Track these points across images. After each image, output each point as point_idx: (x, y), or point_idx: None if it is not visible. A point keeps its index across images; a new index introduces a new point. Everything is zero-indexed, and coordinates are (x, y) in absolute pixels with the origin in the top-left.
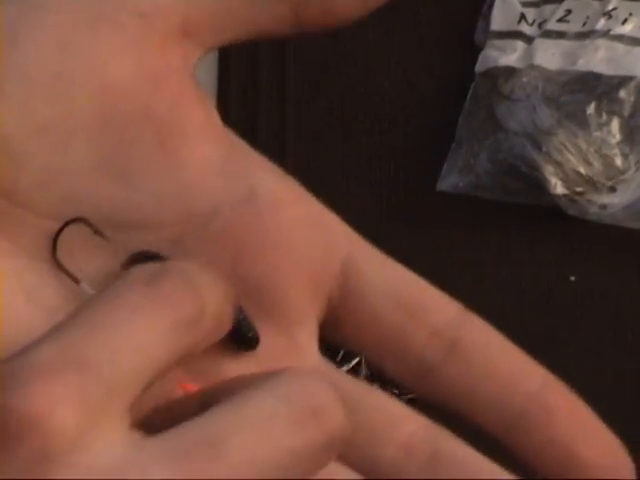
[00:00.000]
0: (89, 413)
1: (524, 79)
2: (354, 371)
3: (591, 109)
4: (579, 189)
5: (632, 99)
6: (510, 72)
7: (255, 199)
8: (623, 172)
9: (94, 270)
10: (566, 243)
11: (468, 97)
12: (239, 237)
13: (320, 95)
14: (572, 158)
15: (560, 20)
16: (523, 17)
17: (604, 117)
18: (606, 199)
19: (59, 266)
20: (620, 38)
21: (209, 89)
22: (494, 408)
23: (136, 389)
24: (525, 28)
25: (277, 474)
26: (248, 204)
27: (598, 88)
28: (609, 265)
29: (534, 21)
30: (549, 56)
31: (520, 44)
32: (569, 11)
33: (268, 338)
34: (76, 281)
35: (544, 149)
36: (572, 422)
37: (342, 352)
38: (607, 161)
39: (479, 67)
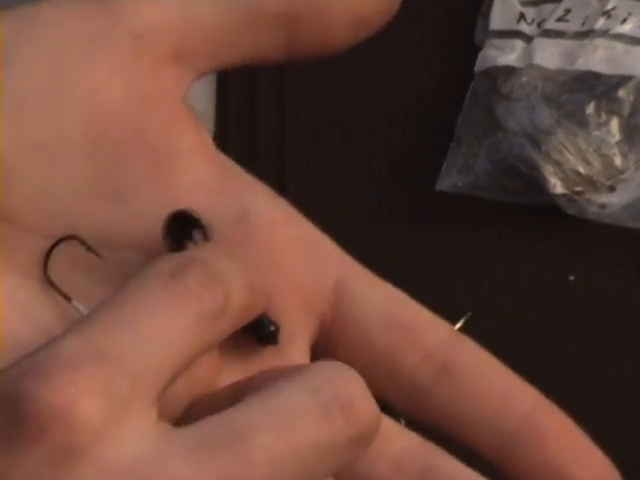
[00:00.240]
0: (114, 405)
1: (523, 78)
2: None
3: (590, 109)
4: (578, 189)
5: (631, 98)
6: (509, 71)
7: (248, 220)
8: (622, 172)
9: (86, 288)
10: (565, 243)
11: (467, 96)
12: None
13: (320, 95)
14: (571, 158)
15: (559, 19)
16: (522, 16)
17: (603, 117)
18: (605, 199)
19: (51, 284)
20: (619, 37)
21: (208, 86)
22: (486, 430)
23: (161, 381)
24: (524, 27)
25: (302, 469)
26: (241, 225)
27: (597, 88)
28: (608, 265)
29: (533, 20)
30: (548, 55)
31: (519, 43)
32: (568, 10)
33: (261, 357)
34: (68, 299)
35: (543, 149)
36: (564, 444)
37: None
38: (606, 161)
39: (478, 66)
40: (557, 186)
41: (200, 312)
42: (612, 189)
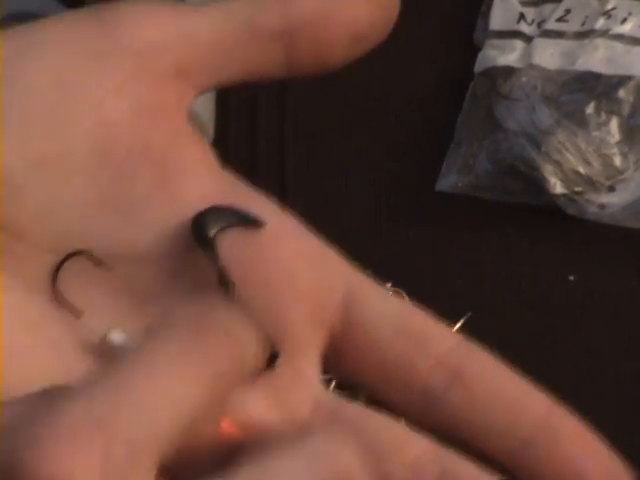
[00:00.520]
0: (112, 475)
1: (523, 79)
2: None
3: (590, 109)
4: (578, 189)
5: (631, 99)
6: (509, 72)
7: (255, 233)
8: (622, 172)
9: (96, 303)
10: (565, 243)
11: (467, 97)
12: (241, 271)
13: (319, 96)
14: (571, 158)
15: (559, 20)
16: (522, 17)
17: (603, 117)
18: (605, 199)
19: (60, 299)
20: (619, 37)
21: None
22: (500, 436)
23: (165, 445)
24: (524, 28)
25: None
26: (248, 238)
27: (597, 88)
28: (608, 265)
29: (533, 21)
30: (548, 56)
31: (519, 44)
32: (568, 11)
33: (272, 371)
34: (77, 315)
35: (543, 149)
36: (579, 448)
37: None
38: (606, 161)
39: (478, 67)
40: (557, 186)
41: (216, 372)
42: (612, 189)
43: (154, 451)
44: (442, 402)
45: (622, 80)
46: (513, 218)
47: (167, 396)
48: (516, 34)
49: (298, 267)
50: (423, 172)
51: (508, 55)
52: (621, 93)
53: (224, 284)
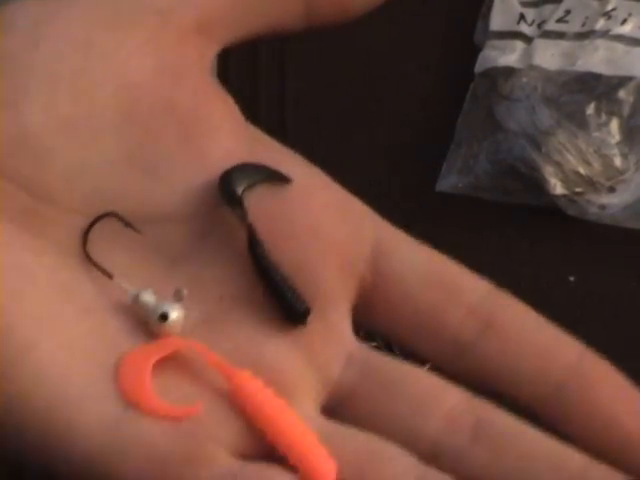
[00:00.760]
0: None
1: (523, 79)
2: None
3: (590, 109)
4: (578, 189)
5: (631, 99)
6: (509, 72)
7: (283, 189)
8: (622, 172)
9: (126, 263)
10: (565, 243)
11: (467, 97)
12: (269, 224)
13: (319, 96)
14: (571, 158)
15: (559, 20)
16: (522, 17)
17: (603, 117)
18: (605, 199)
19: (91, 261)
20: (619, 38)
21: None
22: (532, 382)
23: None
24: (524, 28)
25: None
26: (276, 194)
27: (597, 88)
28: (608, 265)
29: (533, 21)
30: (548, 56)
31: (519, 44)
32: (568, 11)
33: (303, 325)
34: (109, 276)
35: (543, 149)
36: (611, 393)
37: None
38: (606, 161)
39: (478, 67)
40: (557, 187)
41: None
42: (612, 190)
43: None
44: (474, 350)
45: (622, 81)
46: (513, 219)
47: None
48: (516, 35)
49: (326, 221)
50: (423, 172)
51: (508, 56)
52: (621, 94)
53: (252, 242)
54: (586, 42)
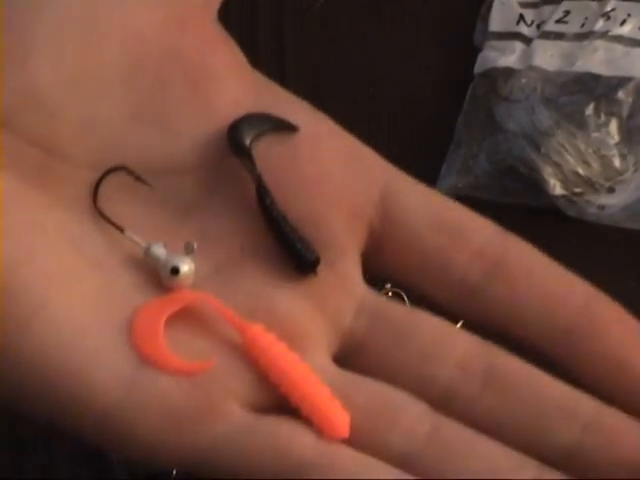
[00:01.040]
0: None
1: (523, 80)
2: None
3: (590, 110)
4: (578, 190)
5: (630, 100)
6: (509, 73)
7: (290, 138)
8: (621, 173)
9: (137, 217)
10: (565, 244)
11: (467, 98)
12: (277, 173)
13: (319, 96)
14: (571, 159)
15: (559, 21)
16: (522, 18)
17: (603, 118)
18: (604, 200)
19: (102, 215)
20: (619, 39)
21: None
22: (541, 324)
23: None
24: (524, 29)
25: None
26: (283, 143)
27: (597, 89)
28: (607, 266)
29: (533, 22)
30: (548, 57)
31: (519, 45)
32: (567, 12)
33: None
34: (120, 230)
35: (543, 150)
36: (621, 334)
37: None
38: (605, 162)
39: (478, 68)
40: (556, 187)
41: None
42: (611, 190)
43: None
44: (482, 293)
45: (621, 81)
46: (513, 219)
47: None
48: (516, 35)
49: (334, 168)
50: (423, 173)
51: (508, 56)
52: (620, 94)
53: (261, 193)
54: (585, 43)
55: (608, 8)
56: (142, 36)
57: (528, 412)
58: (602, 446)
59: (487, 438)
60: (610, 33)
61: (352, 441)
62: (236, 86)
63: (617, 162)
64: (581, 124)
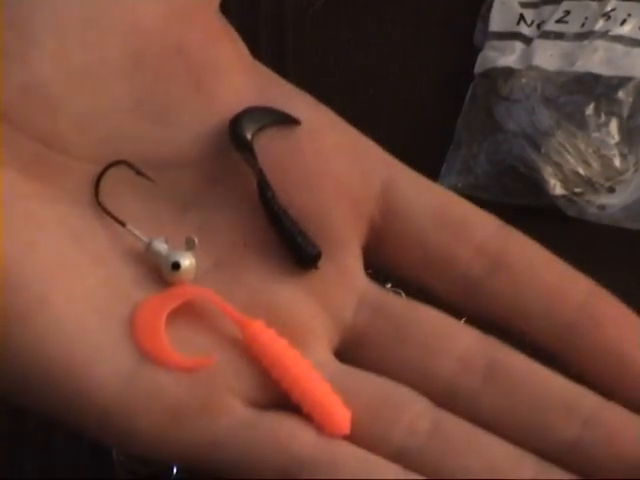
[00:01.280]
0: None
1: (523, 80)
2: None
3: (590, 110)
4: (578, 190)
5: (631, 100)
6: (509, 73)
7: (292, 131)
8: (622, 173)
9: (138, 211)
10: (565, 244)
11: (467, 98)
12: (279, 167)
13: (319, 96)
14: (571, 159)
15: (559, 21)
16: (522, 18)
17: (603, 118)
18: (605, 200)
19: (103, 209)
20: (619, 39)
21: None
22: (543, 319)
23: None
24: (524, 29)
25: None
26: (285, 137)
27: (597, 89)
28: (608, 266)
29: (533, 22)
30: (548, 57)
31: (519, 45)
32: (568, 12)
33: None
34: (122, 224)
35: (543, 150)
36: (621, 329)
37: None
38: (606, 162)
39: (478, 68)
40: (557, 187)
41: None
42: (611, 190)
43: None
44: (483, 288)
45: (622, 81)
46: (513, 219)
47: None
48: (516, 35)
49: (336, 162)
50: (423, 173)
51: (508, 56)
52: (621, 94)
53: (263, 187)
54: (585, 43)
55: (608, 8)
56: (144, 30)
57: (529, 407)
58: (602, 442)
59: (488, 434)
60: (610, 33)
61: (353, 437)
62: (238, 79)
63: (617, 162)
64: (581, 124)
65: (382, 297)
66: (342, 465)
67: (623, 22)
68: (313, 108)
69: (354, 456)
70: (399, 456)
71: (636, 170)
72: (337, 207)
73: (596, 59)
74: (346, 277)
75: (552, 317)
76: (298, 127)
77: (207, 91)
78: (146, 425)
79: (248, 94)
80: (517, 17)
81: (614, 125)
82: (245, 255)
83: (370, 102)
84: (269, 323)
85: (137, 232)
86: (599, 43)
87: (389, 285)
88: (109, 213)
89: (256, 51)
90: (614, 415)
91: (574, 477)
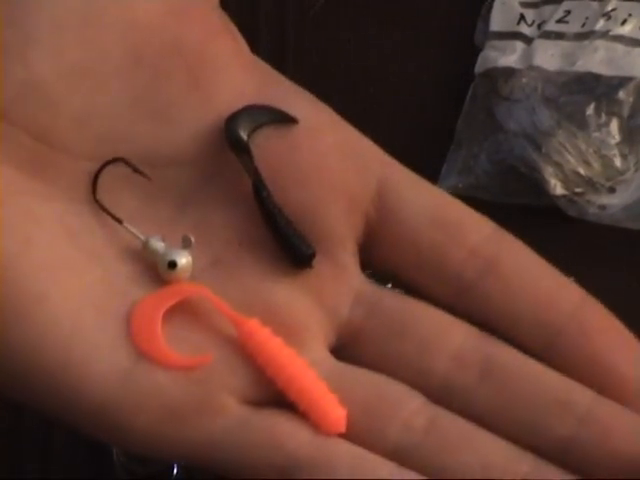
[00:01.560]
0: None
1: (523, 80)
2: None
3: (590, 110)
4: (578, 190)
5: (631, 100)
6: (509, 73)
7: (289, 130)
8: (622, 173)
9: (135, 209)
10: (565, 244)
11: (467, 98)
12: (276, 165)
13: (319, 96)
14: (571, 159)
15: (559, 21)
16: (522, 18)
17: (603, 118)
18: (605, 200)
19: (100, 207)
20: (619, 39)
21: None
22: (532, 325)
23: None
24: (524, 29)
25: None
26: (282, 136)
27: (597, 89)
28: (608, 266)
29: (533, 22)
30: (548, 57)
31: (519, 45)
32: (568, 12)
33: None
34: (119, 221)
35: (543, 150)
36: (609, 339)
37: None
38: (606, 162)
39: (478, 68)
40: (557, 187)
41: None
42: (612, 190)
43: None
44: (475, 291)
45: (622, 81)
46: (513, 219)
47: None
48: (516, 35)
49: (332, 161)
50: (423, 173)
51: (508, 56)
52: (621, 94)
53: (258, 187)
54: (586, 42)
55: (609, 8)
56: (142, 27)
57: (524, 404)
58: (597, 439)
59: (484, 431)
60: (611, 33)
61: (349, 434)
62: (237, 76)
63: (618, 162)
64: (582, 124)
65: (378, 294)
66: (337, 463)
67: (624, 22)
68: (312, 106)
69: (349, 454)
70: (395, 453)
71: (637, 170)
72: (333, 205)
73: (597, 59)
74: (342, 275)
75: (541, 324)
76: (296, 125)
77: (205, 88)
78: (143, 423)
79: (247, 91)
80: (517, 17)
81: (615, 125)
82: (242, 253)
83: (370, 102)
84: (265, 321)
85: (134, 230)
86: (600, 43)
87: (389, 285)
88: (106, 210)
89: (256, 51)
90: (609, 411)
91: (569, 474)
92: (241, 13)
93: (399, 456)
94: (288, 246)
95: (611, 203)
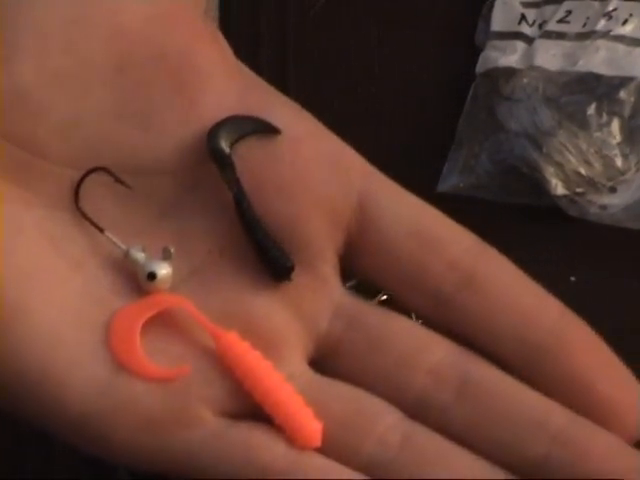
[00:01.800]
0: None
1: (524, 80)
2: None
3: (591, 110)
4: (579, 190)
5: (632, 100)
6: (510, 73)
7: (272, 140)
8: (623, 173)
9: (117, 217)
10: (566, 244)
11: (468, 98)
12: (258, 176)
13: (320, 96)
14: (572, 159)
15: (560, 21)
16: (523, 18)
17: (604, 118)
18: (606, 200)
19: (83, 215)
20: (620, 39)
21: None
22: (511, 339)
23: None
24: (525, 29)
25: None
26: (264, 146)
27: (598, 89)
28: (609, 266)
29: (534, 22)
30: (549, 57)
31: (520, 45)
32: (569, 12)
33: (292, 276)
34: (100, 230)
35: (544, 150)
36: (588, 356)
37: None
38: (607, 162)
39: (479, 68)
40: (558, 187)
41: None
42: (613, 190)
43: None
44: (453, 304)
45: (623, 81)
46: (514, 219)
47: None
48: (517, 35)
49: (314, 172)
50: (424, 173)
51: (509, 56)
52: (622, 94)
53: (239, 199)
54: (587, 42)
55: (610, 8)
56: (127, 33)
57: (500, 422)
58: (572, 459)
59: (459, 448)
60: (612, 33)
61: (325, 448)
62: (221, 85)
63: (619, 162)
64: (583, 124)
65: (358, 307)
66: (310, 477)
67: (625, 22)
68: (295, 115)
69: (323, 468)
70: (369, 467)
71: (638, 170)
72: (314, 217)
73: (598, 59)
74: (322, 287)
75: (519, 338)
76: (278, 136)
77: (189, 97)
78: (122, 433)
79: (230, 99)
80: (519, 17)
81: (616, 125)
82: (222, 263)
83: (372, 102)
84: (244, 333)
85: (115, 239)
86: (601, 43)
87: (384, 297)
88: (88, 219)
89: (257, 53)
90: (585, 432)
91: None
92: (243, 16)
93: (373, 471)
94: (267, 259)
95: (612, 203)
